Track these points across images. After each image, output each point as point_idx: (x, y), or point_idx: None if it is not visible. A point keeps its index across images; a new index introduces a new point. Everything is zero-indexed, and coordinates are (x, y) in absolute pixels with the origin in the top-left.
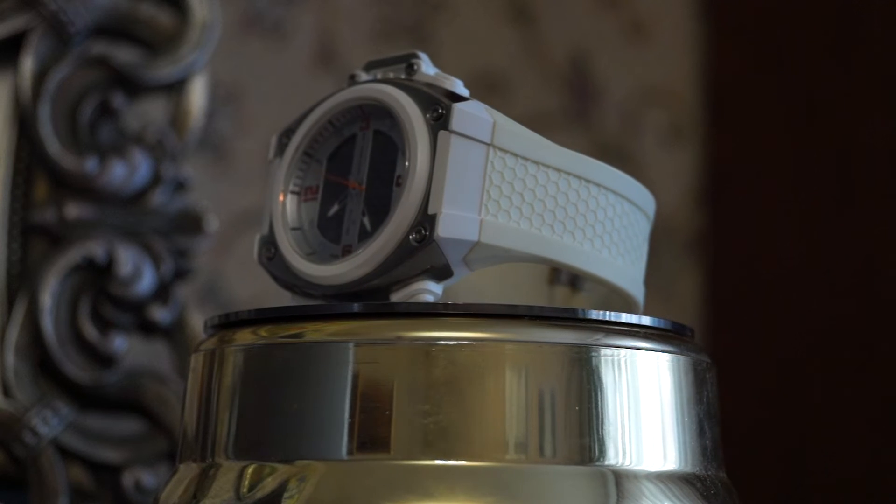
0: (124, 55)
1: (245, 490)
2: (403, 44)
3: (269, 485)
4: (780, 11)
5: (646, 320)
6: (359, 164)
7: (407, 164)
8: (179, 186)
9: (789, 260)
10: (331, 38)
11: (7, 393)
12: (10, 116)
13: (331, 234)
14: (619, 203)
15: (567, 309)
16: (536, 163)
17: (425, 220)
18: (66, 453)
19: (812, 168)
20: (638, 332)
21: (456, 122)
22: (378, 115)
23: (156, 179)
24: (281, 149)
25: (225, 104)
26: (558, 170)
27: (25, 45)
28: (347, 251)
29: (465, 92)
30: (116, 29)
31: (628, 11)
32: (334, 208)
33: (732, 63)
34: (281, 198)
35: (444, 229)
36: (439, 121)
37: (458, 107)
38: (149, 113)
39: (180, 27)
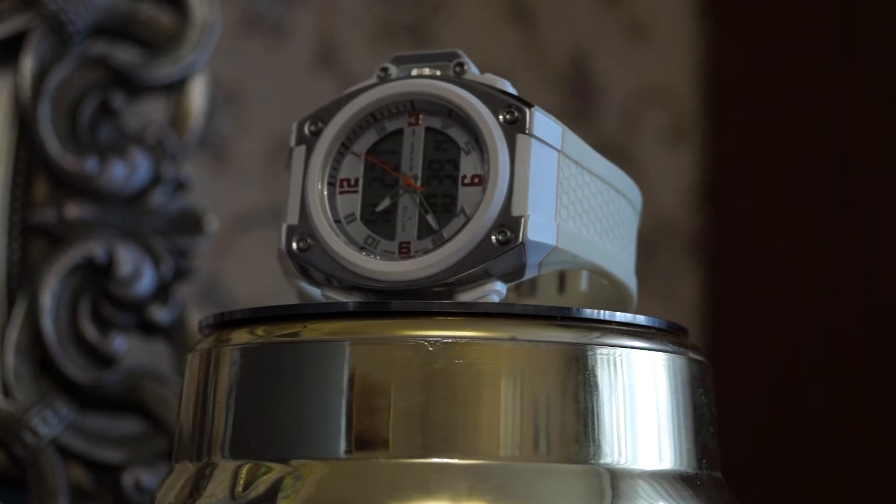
0: (124, 55)
1: (240, 489)
2: (403, 44)
3: (264, 484)
4: (780, 12)
5: (641, 319)
6: (410, 161)
7: (486, 164)
8: (179, 186)
9: (789, 260)
10: (331, 38)
11: (7, 393)
12: (10, 116)
13: (380, 230)
14: (634, 214)
15: (563, 308)
16: (590, 172)
17: (509, 222)
18: (66, 453)
19: (812, 168)
20: (634, 331)
21: (536, 127)
22: (431, 112)
23: (156, 179)
24: (303, 137)
25: (225, 104)
26: (602, 179)
27: (25, 45)
28: (405, 248)
29: (515, 92)
30: (116, 29)
31: (628, 11)
32: (384, 203)
33: (732, 63)
34: (319, 187)
35: (531, 232)
36: (515, 124)
37: (535, 111)
38: (149, 113)
39: (180, 27)
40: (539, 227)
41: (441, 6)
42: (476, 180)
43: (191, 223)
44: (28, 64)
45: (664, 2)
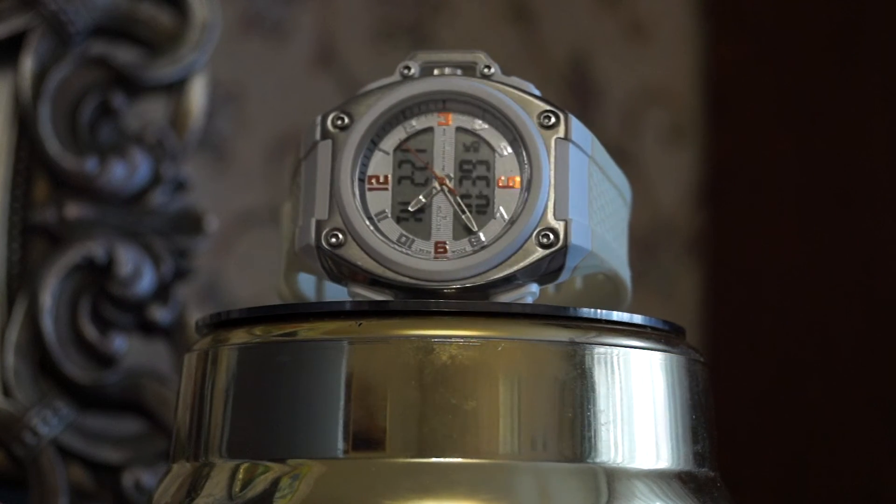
0: (124, 55)
1: (237, 489)
2: (403, 44)
3: (261, 484)
4: (781, 11)
5: (638, 319)
6: (442, 160)
7: (526, 167)
8: (179, 186)
9: (789, 260)
10: (331, 38)
11: (7, 393)
12: (10, 116)
13: (413, 228)
14: (627, 212)
15: (560, 307)
16: (608, 178)
17: (552, 226)
18: (66, 453)
19: (812, 168)
20: (631, 330)
21: (574, 132)
22: (463, 112)
23: (156, 179)
24: (328, 131)
25: (225, 104)
26: (615, 185)
27: (25, 45)
28: (442, 248)
29: (539, 94)
30: (116, 29)
31: (628, 11)
32: (418, 202)
33: (732, 63)
34: (351, 183)
35: (574, 236)
36: (552, 128)
37: (572, 117)
38: (149, 113)
39: (180, 27)
40: (580, 232)
41: (441, 6)
42: (513, 183)
43: (191, 223)
44: (28, 64)
45: (664, 2)
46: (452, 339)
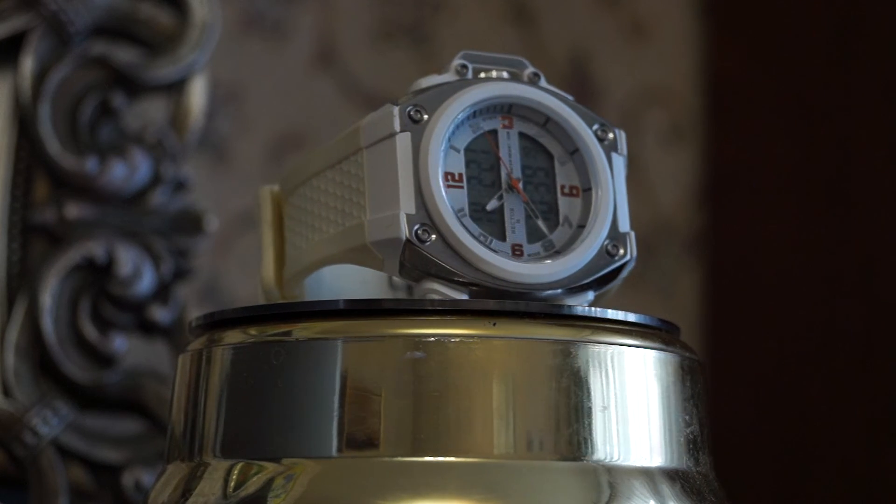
0: (124, 55)
1: (232, 489)
2: (403, 44)
3: (255, 484)
4: (781, 11)
5: (633, 317)
6: (509, 163)
7: (589, 178)
8: (179, 186)
9: (789, 260)
10: (331, 38)
11: (7, 393)
12: (10, 116)
13: (488, 229)
14: None
15: (555, 306)
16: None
17: (617, 237)
18: (66, 453)
19: (812, 168)
20: (625, 329)
21: (622, 147)
22: (526, 118)
23: (156, 179)
24: (407, 124)
25: (225, 104)
26: None
27: (25, 45)
28: (518, 251)
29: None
30: (116, 29)
31: (628, 11)
32: (493, 203)
33: (732, 63)
34: (438, 179)
35: (633, 248)
36: (605, 142)
37: (621, 131)
38: (149, 113)
39: (180, 27)
40: (635, 244)
41: (441, 6)
42: (574, 192)
43: (191, 223)
44: (28, 64)
45: (664, 2)
46: (447, 338)
